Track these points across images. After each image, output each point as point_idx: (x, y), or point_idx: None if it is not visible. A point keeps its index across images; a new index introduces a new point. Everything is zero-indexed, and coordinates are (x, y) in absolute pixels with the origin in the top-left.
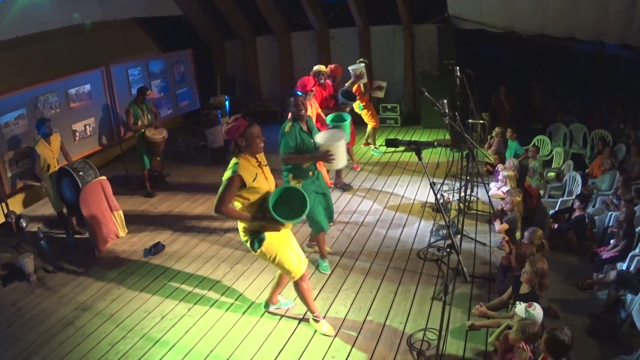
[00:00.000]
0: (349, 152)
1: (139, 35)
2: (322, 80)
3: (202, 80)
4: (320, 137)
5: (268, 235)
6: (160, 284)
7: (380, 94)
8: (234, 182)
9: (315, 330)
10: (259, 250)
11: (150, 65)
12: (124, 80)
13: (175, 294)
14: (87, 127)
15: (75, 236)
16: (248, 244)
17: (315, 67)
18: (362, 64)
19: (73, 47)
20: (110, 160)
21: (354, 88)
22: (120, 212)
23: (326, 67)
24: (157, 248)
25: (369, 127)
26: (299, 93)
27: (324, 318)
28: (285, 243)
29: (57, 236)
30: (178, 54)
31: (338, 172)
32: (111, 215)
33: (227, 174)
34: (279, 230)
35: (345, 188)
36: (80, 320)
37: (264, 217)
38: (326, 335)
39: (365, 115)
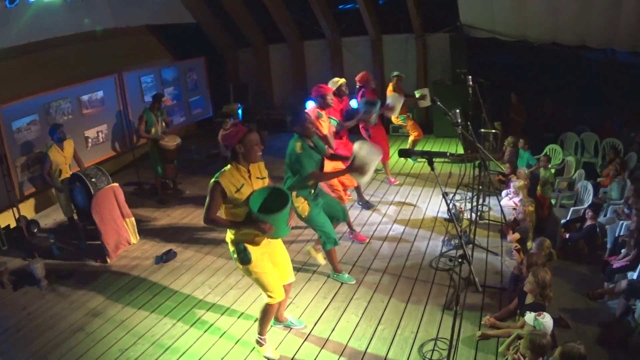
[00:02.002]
0: (385, 166)
1: (152, 42)
2: (342, 94)
3: (214, 88)
4: (361, 148)
5: (254, 250)
6: (171, 291)
7: (426, 103)
8: (216, 189)
9: (327, 340)
10: (245, 267)
11: (163, 73)
12: (136, 87)
13: (186, 301)
14: (100, 133)
15: (87, 242)
16: (234, 257)
17: (338, 80)
18: (400, 100)
19: (86, 54)
20: (123, 167)
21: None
22: (132, 219)
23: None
24: (168, 255)
25: (411, 138)
26: (313, 100)
27: (334, 328)
28: (270, 262)
29: (68, 242)
30: (191, 62)
31: (358, 191)
32: (123, 222)
33: (211, 180)
34: (263, 232)
35: (367, 206)
36: (91, 326)
37: (250, 220)
38: (270, 359)
39: (408, 126)
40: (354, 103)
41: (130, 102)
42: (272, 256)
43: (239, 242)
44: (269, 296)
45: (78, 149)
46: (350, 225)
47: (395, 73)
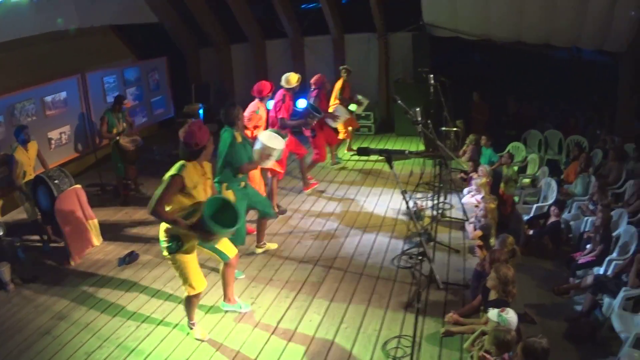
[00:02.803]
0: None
1: (115, 42)
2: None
3: (176, 88)
4: (264, 136)
5: (187, 243)
6: (134, 292)
7: (354, 107)
8: (176, 183)
9: (290, 339)
10: (172, 255)
11: (125, 73)
12: (99, 88)
13: (149, 302)
14: (63, 135)
15: (51, 245)
16: (164, 245)
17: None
18: (345, 113)
19: (49, 54)
20: (86, 169)
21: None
22: (95, 220)
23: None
24: (131, 257)
25: (341, 136)
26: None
27: (297, 327)
28: (196, 257)
29: (33, 245)
30: (153, 62)
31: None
32: (86, 224)
33: (171, 172)
34: (207, 240)
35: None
36: (57, 329)
37: (197, 225)
38: (200, 340)
39: (340, 127)
40: (302, 103)
41: (92, 102)
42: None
43: (175, 234)
44: (190, 287)
45: (42, 150)
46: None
47: (344, 66)
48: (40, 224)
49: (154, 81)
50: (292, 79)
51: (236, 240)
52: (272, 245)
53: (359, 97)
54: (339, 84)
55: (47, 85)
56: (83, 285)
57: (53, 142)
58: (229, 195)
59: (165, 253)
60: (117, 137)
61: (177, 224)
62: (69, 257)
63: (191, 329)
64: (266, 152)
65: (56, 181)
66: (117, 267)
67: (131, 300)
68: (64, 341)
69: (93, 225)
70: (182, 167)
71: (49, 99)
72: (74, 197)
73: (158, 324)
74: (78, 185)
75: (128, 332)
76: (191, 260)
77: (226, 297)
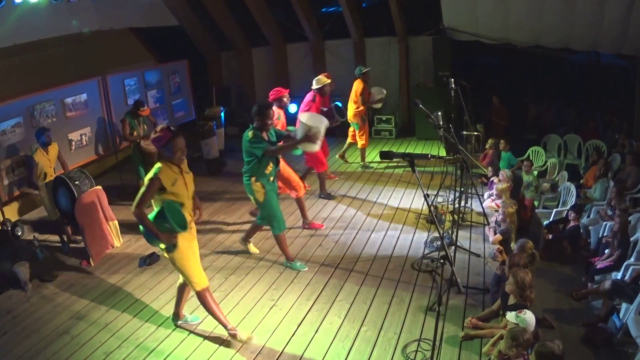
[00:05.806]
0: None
1: (136, 45)
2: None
3: (197, 91)
4: (306, 117)
5: (181, 241)
6: (155, 294)
7: (378, 105)
8: (154, 184)
9: (310, 341)
10: (170, 254)
11: (146, 76)
12: (120, 90)
13: (170, 304)
14: (83, 136)
15: (70, 245)
16: (163, 246)
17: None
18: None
19: (70, 56)
20: (106, 170)
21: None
22: (116, 222)
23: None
24: (152, 258)
25: (359, 145)
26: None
27: (317, 329)
28: (195, 252)
29: (52, 245)
30: (174, 65)
31: (322, 183)
32: (106, 225)
33: (149, 175)
34: (164, 242)
35: (329, 197)
36: (75, 329)
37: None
38: (246, 341)
39: (358, 133)
40: (295, 108)
41: (113, 105)
42: (196, 248)
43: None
44: (194, 284)
45: (62, 152)
46: (304, 214)
47: (364, 69)
48: (60, 225)
49: (175, 84)
50: (322, 79)
51: (277, 227)
52: (253, 249)
53: (377, 95)
54: (359, 87)
55: (67, 87)
56: (102, 286)
57: (73, 143)
58: (258, 187)
59: (165, 254)
60: (139, 141)
61: (153, 230)
62: (88, 257)
63: (234, 337)
64: (309, 133)
65: (77, 182)
66: (137, 268)
67: (151, 302)
68: (82, 341)
69: (113, 226)
70: (158, 168)
71: (69, 100)
72: (94, 199)
73: (178, 326)
74: (99, 187)
75: (147, 333)
76: (191, 257)
77: (177, 312)
